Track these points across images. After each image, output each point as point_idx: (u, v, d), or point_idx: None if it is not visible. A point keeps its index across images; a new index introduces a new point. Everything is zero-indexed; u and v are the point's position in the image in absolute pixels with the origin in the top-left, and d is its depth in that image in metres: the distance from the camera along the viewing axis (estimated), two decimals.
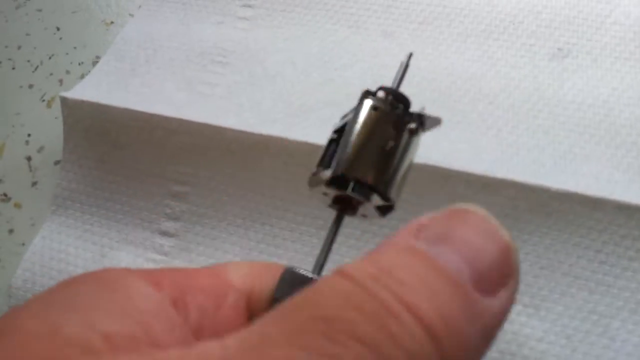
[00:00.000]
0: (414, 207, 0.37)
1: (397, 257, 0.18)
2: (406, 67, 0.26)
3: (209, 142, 0.41)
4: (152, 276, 0.21)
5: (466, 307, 0.17)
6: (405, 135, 0.24)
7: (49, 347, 0.16)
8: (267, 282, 0.24)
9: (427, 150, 0.38)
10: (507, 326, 0.34)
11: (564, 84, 0.41)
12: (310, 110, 0.42)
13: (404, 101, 0.25)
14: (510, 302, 0.18)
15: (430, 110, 0.41)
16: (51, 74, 0.51)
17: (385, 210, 0.25)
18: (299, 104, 0.43)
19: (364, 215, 0.26)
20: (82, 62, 0.51)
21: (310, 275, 0.24)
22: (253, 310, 0.24)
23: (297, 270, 0.24)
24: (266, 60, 0.46)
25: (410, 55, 0.27)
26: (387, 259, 0.18)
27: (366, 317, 0.16)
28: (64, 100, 0.44)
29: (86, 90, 0.45)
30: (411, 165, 0.25)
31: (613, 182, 0.37)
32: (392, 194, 0.24)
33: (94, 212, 0.42)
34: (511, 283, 0.18)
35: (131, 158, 0.42)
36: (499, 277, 0.18)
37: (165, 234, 0.41)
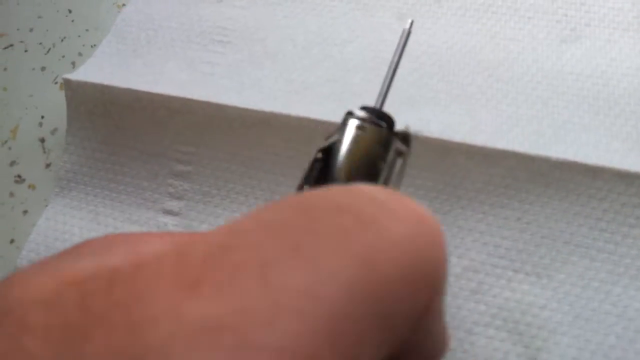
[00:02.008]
0: (415, 180, 0.38)
1: None
2: (408, 34, 0.27)
3: (210, 121, 0.41)
4: (163, 235, 0.22)
5: None
6: (392, 155, 0.24)
7: (49, 285, 0.16)
8: None
9: (427, 123, 0.38)
10: (510, 294, 0.35)
11: (563, 55, 0.41)
12: (311, 86, 0.42)
13: (388, 120, 0.25)
14: None
15: (430, 84, 0.41)
16: (63, 56, 0.51)
17: None
18: (300, 81, 0.43)
19: None
20: (94, 45, 0.51)
21: None
22: None
23: None
24: (266, 38, 0.46)
25: (412, 22, 0.27)
26: None
27: None
28: (67, 82, 0.44)
29: (89, 72, 0.45)
30: (399, 186, 0.25)
31: (612, 150, 0.37)
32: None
33: (97, 193, 0.43)
34: None
35: (134, 138, 0.43)
36: None
37: (169, 212, 0.41)
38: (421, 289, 0.16)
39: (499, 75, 0.41)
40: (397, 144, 0.24)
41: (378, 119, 0.24)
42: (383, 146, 0.24)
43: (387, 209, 0.16)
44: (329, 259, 0.14)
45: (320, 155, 0.25)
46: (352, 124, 0.24)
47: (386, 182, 0.24)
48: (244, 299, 0.13)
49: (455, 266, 0.36)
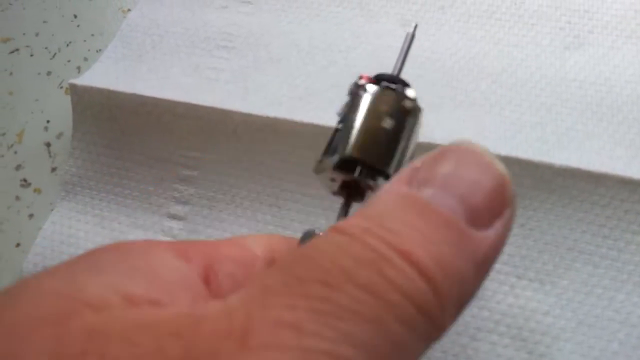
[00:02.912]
0: None
1: (388, 206, 0.18)
2: (412, 37, 0.27)
3: (216, 126, 0.41)
4: (179, 248, 0.22)
5: (460, 245, 0.18)
6: (404, 114, 0.25)
7: (63, 304, 0.17)
8: (288, 248, 0.25)
9: (431, 129, 0.38)
10: (513, 300, 0.35)
11: (566, 62, 0.42)
12: (316, 92, 0.42)
13: (402, 82, 0.25)
14: (507, 230, 0.19)
15: (434, 90, 0.42)
16: (69, 61, 0.52)
17: None
18: (304, 87, 0.43)
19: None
20: (100, 49, 0.51)
21: None
22: None
23: (317, 232, 0.25)
24: (271, 44, 0.46)
25: (416, 26, 0.27)
26: (377, 211, 0.18)
27: (361, 264, 0.16)
28: (73, 87, 0.44)
29: (95, 77, 0.45)
30: (416, 148, 0.25)
31: (615, 157, 0.37)
32: None
33: (103, 197, 0.43)
34: (507, 212, 0.19)
35: (140, 143, 0.43)
36: (493, 209, 0.18)
37: (174, 217, 0.42)
38: None
39: (503, 81, 0.41)
40: (409, 103, 0.24)
41: (391, 82, 0.25)
42: (396, 107, 0.24)
43: None
44: None
45: (340, 125, 0.25)
46: (366, 88, 0.25)
47: (404, 144, 0.24)
48: None
49: None
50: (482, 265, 0.18)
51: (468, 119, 0.40)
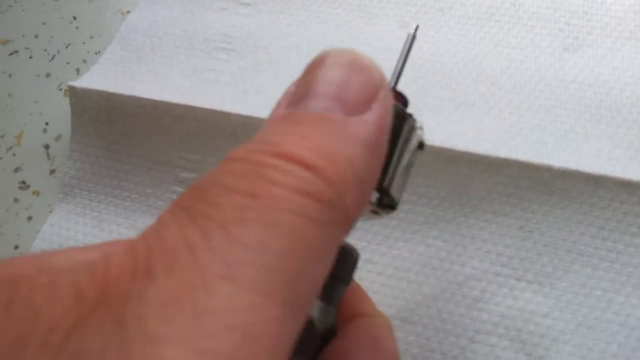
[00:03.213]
0: (418, 188, 0.38)
1: (269, 127, 0.19)
2: (413, 38, 0.27)
3: (215, 128, 0.41)
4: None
5: (339, 133, 0.18)
6: (405, 130, 0.24)
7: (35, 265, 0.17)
8: None
9: (430, 131, 0.38)
10: (512, 303, 0.35)
11: (565, 64, 0.42)
12: None
13: (403, 99, 0.25)
14: (385, 109, 0.19)
15: (433, 92, 0.42)
16: (68, 63, 0.52)
17: (387, 209, 0.25)
18: None
19: (363, 217, 0.26)
20: (99, 51, 0.51)
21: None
22: None
23: None
24: (270, 46, 0.46)
25: (417, 27, 0.27)
26: (261, 134, 0.19)
27: (242, 176, 0.17)
28: (72, 90, 0.44)
29: (93, 79, 0.45)
30: (412, 165, 0.25)
31: (614, 159, 0.37)
32: (394, 192, 0.24)
33: (102, 200, 0.43)
34: (381, 94, 0.19)
35: (138, 145, 0.43)
36: (367, 96, 0.19)
37: None
38: None
39: (502, 83, 0.41)
40: (410, 120, 0.24)
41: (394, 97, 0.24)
42: (397, 125, 0.24)
43: None
44: None
45: None
46: None
47: (399, 159, 0.24)
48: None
49: (457, 274, 0.36)
50: (371, 146, 0.19)
51: (467, 121, 0.40)
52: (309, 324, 0.23)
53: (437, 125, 0.39)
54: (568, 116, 0.39)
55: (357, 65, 0.20)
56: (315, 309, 0.23)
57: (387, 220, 0.38)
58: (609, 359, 0.33)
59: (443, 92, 0.41)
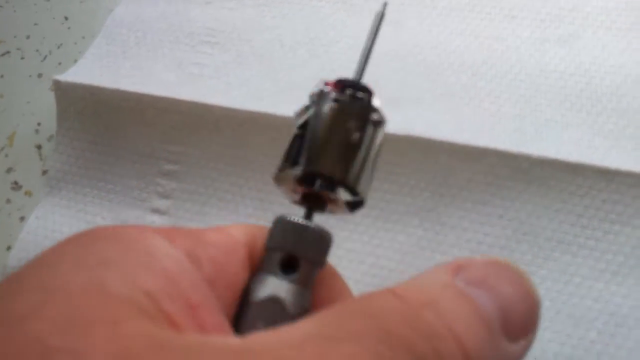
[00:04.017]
0: (399, 178, 0.38)
1: (440, 289, 0.20)
2: (381, 17, 0.27)
3: (198, 121, 0.42)
4: (165, 233, 0.22)
5: (493, 346, 0.20)
6: (370, 127, 0.24)
7: (99, 304, 0.17)
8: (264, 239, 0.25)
9: (410, 121, 0.38)
10: None
11: (546, 54, 0.42)
12: (298, 86, 0.43)
13: (366, 91, 0.25)
14: (526, 350, 0.21)
15: (414, 83, 0.42)
16: (60, 63, 0.52)
17: (354, 205, 0.25)
18: (287, 81, 0.43)
19: (333, 212, 0.26)
20: None
21: (300, 220, 0.24)
22: (253, 266, 0.25)
23: (287, 217, 0.24)
24: (253, 39, 0.46)
25: (385, 4, 0.27)
26: (431, 290, 0.20)
27: (419, 335, 0.18)
28: (57, 83, 0.44)
29: (79, 73, 0.46)
30: (378, 159, 0.25)
31: (593, 147, 0.37)
32: (361, 188, 0.24)
33: (87, 193, 0.43)
34: (530, 335, 0.21)
35: (123, 138, 0.43)
36: (522, 328, 0.21)
37: (156, 211, 0.42)
38: None
39: (483, 74, 0.41)
40: (375, 115, 0.24)
41: (355, 91, 0.24)
42: (360, 118, 0.24)
43: None
44: None
45: (299, 131, 0.25)
46: (328, 96, 0.24)
47: (366, 156, 0.24)
48: None
49: (438, 262, 0.36)
50: None
51: (447, 111, 0.40)
52: (279, 307, 0.23)
53: (418, 116, 0.39)
54: (548, 105, 0.39)
55: (529, 295, 0.22)
56: (287, 292, 0.24)
57: (368, 211, 0.38)
58: (587, 345, 0.34)
59: (424, 83, 0.42)
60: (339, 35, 0.45)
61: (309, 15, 0.47)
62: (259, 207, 0.40)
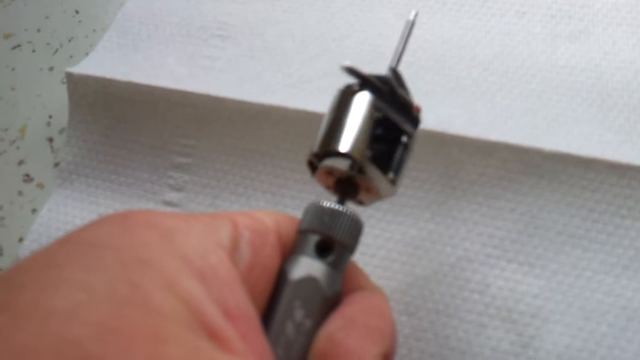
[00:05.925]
0: (411, 172, 0.38)
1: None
2: (412, 24, 0.28)
3: (210, 114, 0.42)
4: (200, 219, 0.23)
5: None
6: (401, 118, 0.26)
7: (142, 316, 0.17)
8: (292, 225, 0.26)
9: (423, 115, 0.38)
10: (503, 283, 0.35)
11: (557, 50, 0.42)
12: (309, 80, 0.43)
13: (390, 82, 0.26)
14: None
15: (426, 77, 0.42)
16: (71, 57, 0.52)
17: (387, 192, 0.27)
18: (298, 75, 0.43)
19: (361, 202, 0.28)
20: None
21: (333, 205, 0.26)
22: (283, 250, 0.25)
23: (323, 202, 0.26)
24: (265, 33, 0.46)
25: (416, 14, 0.28)
26: None
27: None
28: (69, 76, 0.45)
29: (90, 66, 0.46)
30: (411, 150, 0.28)
31: (605, 142, 0.37)
32: (394, 174, 0.27)
33: (99, 185, 0.43)
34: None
35: (135, 131, 0.43)
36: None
37: (169, 204, 0.42)
38: None
39: (494, 68, 0.42)
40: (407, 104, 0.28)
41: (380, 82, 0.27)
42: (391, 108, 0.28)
43: None
44: None
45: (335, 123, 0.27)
46: (353, 89, 0.28)
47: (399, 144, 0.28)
48: None
49: (449, 256, 0.36)
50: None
51: (459, 105, 0.40)
52: (315, 286, 0.24)
53: (430, 110, 0.39)
54: (559, 100, 0.40)
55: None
56: (322, 273, 0.24)
57: (380, 204, 0.38)
58: (598, 338, 0.34)
59: (435, 78, 0.42)
60: (350, 29, 0.45)
61: (320, 10, 0.47)
62: (270, 200, 0.41)
